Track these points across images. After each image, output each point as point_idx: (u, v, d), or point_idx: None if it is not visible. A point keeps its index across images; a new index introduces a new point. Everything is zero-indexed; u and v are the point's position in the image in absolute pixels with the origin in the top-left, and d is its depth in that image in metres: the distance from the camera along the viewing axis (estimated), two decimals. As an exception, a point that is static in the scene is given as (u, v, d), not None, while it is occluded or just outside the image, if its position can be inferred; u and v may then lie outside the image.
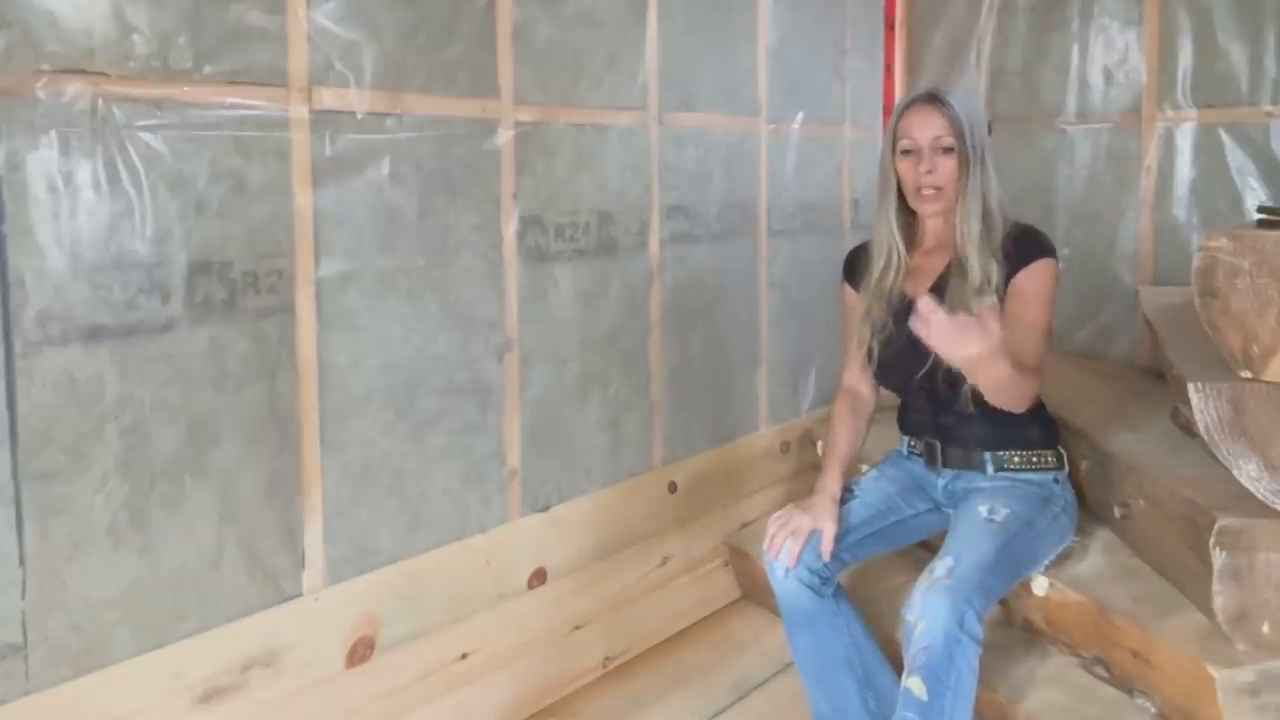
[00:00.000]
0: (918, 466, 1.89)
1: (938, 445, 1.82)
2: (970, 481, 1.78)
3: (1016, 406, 1.61)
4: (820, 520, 1.67)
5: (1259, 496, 1.57)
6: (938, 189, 1.70)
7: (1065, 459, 1.82)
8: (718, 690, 2.07)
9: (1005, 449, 1.76)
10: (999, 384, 1.53)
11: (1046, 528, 1.72)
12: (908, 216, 1.80)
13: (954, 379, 1.67)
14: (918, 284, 1.79)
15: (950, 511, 1.81)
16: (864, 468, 2.21)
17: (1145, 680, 1.63)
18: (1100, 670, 1.73)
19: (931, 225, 1.80)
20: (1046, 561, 1.77)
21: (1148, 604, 1.68)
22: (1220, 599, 1.55)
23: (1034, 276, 1.67)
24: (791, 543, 1.64)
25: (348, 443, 1.61)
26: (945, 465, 1.82)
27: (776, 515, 1.71)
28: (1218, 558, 1.55)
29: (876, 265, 1.81)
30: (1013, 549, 1.62)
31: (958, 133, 1.68)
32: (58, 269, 1.26)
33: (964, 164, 1.69)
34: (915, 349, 1.71)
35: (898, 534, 1.83)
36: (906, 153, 1.72)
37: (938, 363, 1.67)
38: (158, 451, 1.36)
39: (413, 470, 1.73)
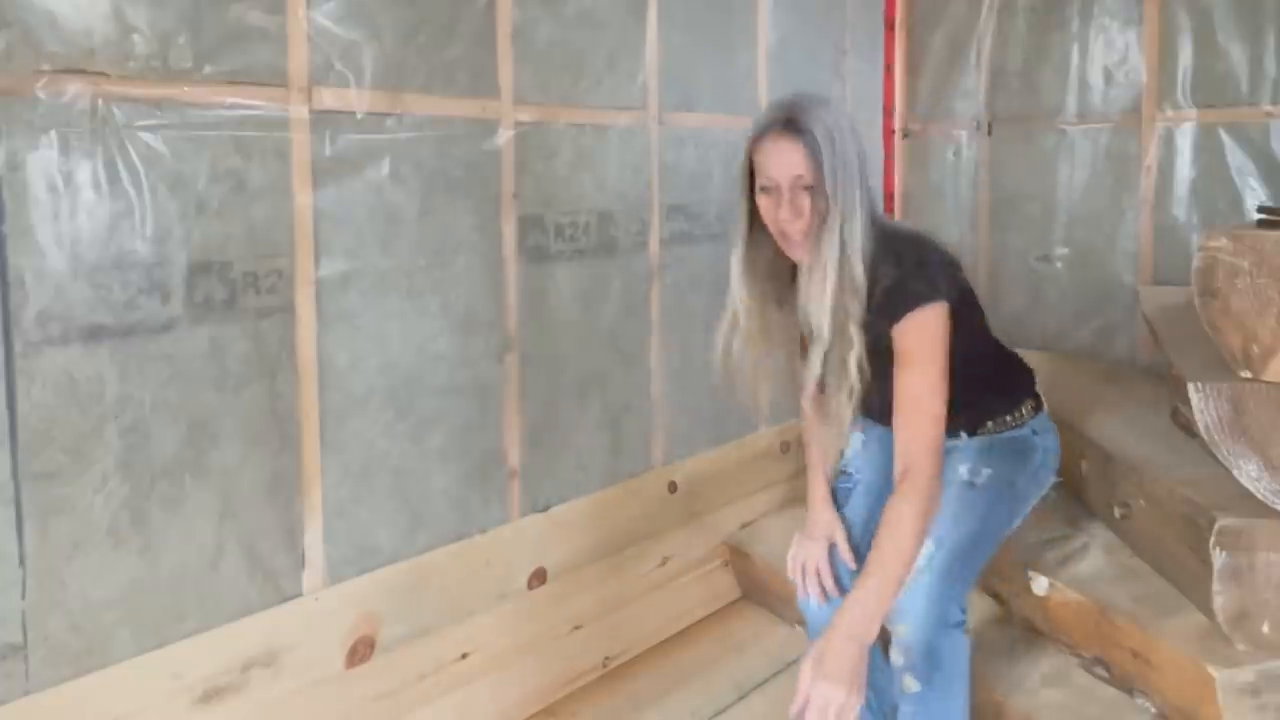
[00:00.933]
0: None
1: None
2: (948, 443, 1.56)
3: (934, 507, 1.42)
4: (831, 533, 1.61)
5: (1259, 496, 1.57)
6: (804, 231, 1.42)
7: (1041, 400, 1.69)
8: (718, 690, 2.06)
9: (977, 423, 1.63)
10: (908, 563, 1.38)
11: (1026, 484, 1.63)
12: (775, 251, 1.51)
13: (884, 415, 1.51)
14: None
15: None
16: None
17: (1145, 680, 1.63)
18: (1100, 670, 1.73)
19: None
20: (1021, 518, 1.65)
21: (1148, 604, 1.68)
22: (1220, 599, 1.55)
23: (902, 337, 1.43)
24: (824, 580, 1.58)
25: (348, 443, 1.61)
26: None
27: (790, 561, 1.62)
28: (1218, 558, 1.55)
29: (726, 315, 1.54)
30: (994, 517, 1.55)
31: (816, 167, 1.39)
32: (58, 269, 1.27)
33: (821, 206, 1.40)
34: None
35: None
36: (765, 189, 1.45)
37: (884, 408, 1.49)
38: (158, 451, 1.36)
39: (413, 470, 1.73)
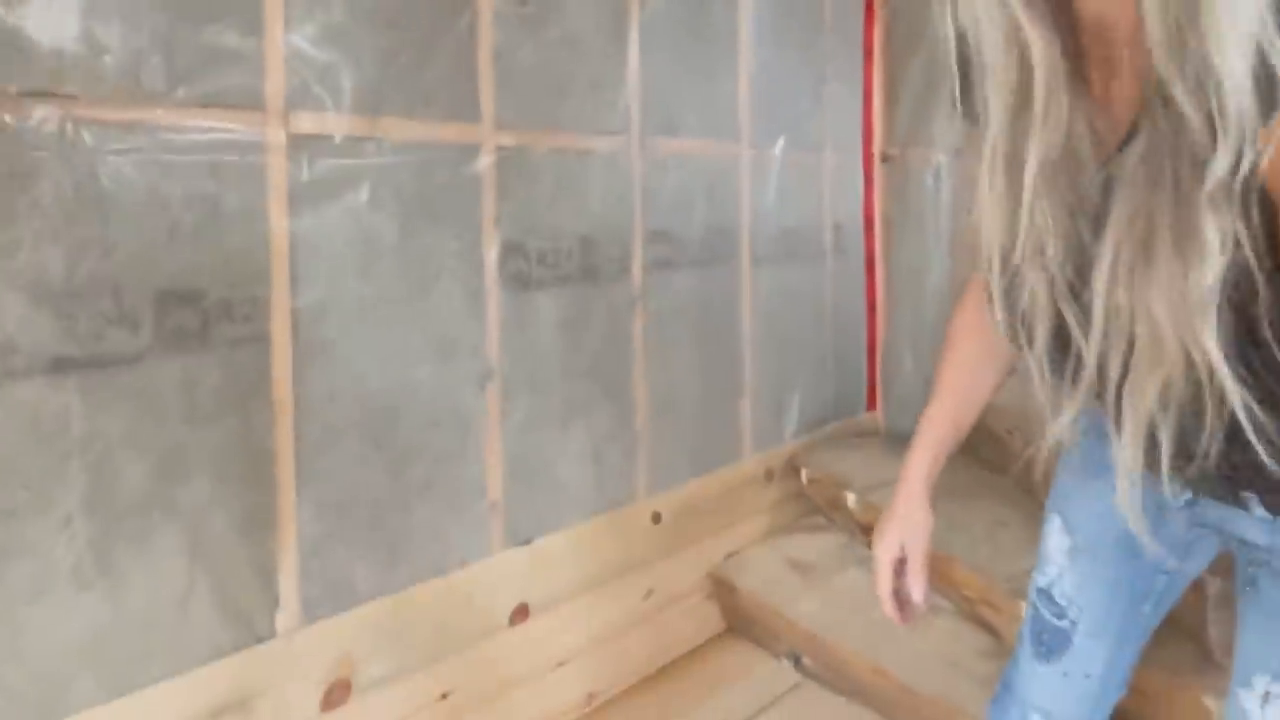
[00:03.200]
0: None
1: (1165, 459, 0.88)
2: (1229, 519, 0.94)
3: None
4: (906, 532, 1.07)
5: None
6: None
7: None
8: (705, 727, 2.03)
9: None
10: None
11: None
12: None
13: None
14: (1105, 133, 0.78)
15: (1179, 564, 1.06)
16: (851, 498, 2.18)
17: (1139, 711, 1.60)
18: (1095, 702, 1.70)
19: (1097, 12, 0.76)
20: None
21: (1142, 633, 1.66)
22: (1214, 628, 1.53)
23: None
24: (892, 598, 1.10)
25: (324, 476, 1.56)
26: (1185, 489, 0.94)
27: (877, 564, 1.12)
28: (1211, 585, 1.53)
29: (999, 99, 0.79)
30: None
31: None
32: (23, 298, 1.21)
33: None
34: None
35: (1159, 606, 1.10)
36: None
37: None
38: (125, 489, 1.30)
39: (392, 503, 1.67)
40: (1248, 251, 0.67)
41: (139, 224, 1.32)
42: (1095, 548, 1.06)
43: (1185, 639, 1.60)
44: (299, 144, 1.51)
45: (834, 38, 2.91)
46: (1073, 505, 1.09)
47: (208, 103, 1.40)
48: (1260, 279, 0.68)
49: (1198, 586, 1.53)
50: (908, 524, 1.09)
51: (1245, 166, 0.64)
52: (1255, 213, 0.67)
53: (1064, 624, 1.08)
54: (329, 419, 1.56)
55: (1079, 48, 0.77)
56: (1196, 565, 1.08)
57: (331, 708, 1.56)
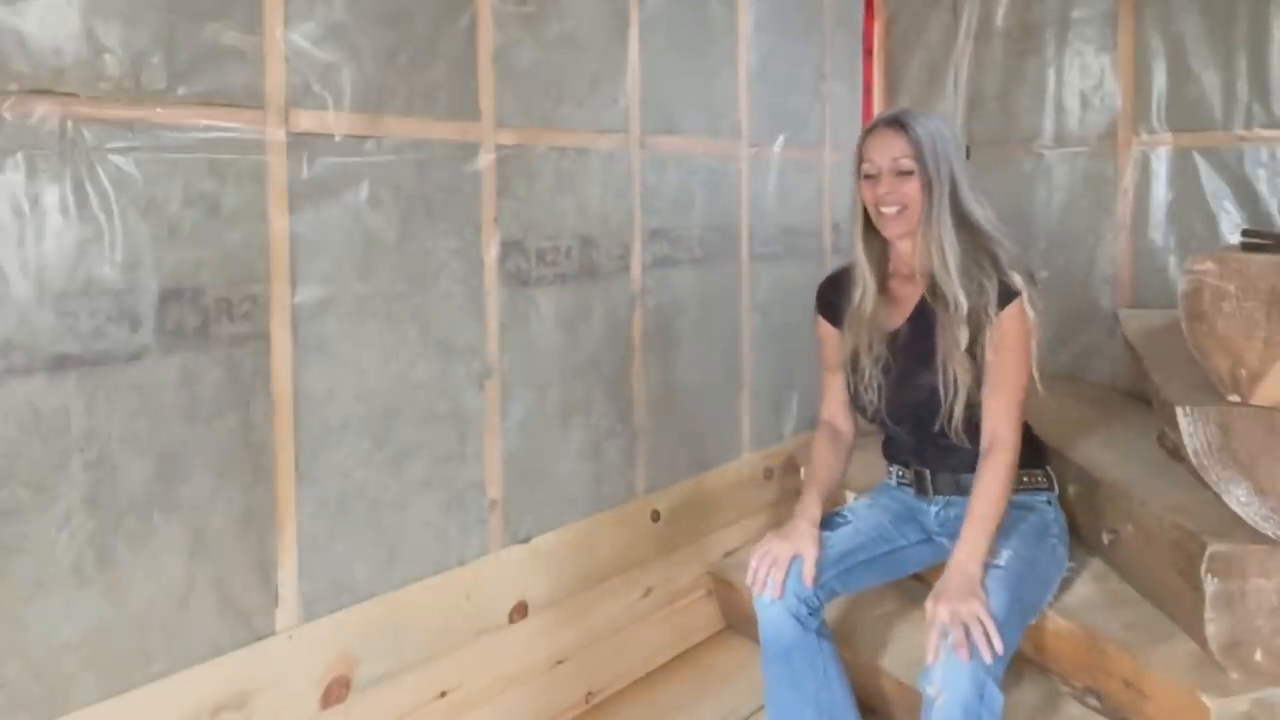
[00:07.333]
0: (908, 495, 1.86)
1: (926, 473, 1.80)
2: (963, 508, 1.68)
3: (1014, 473, 1.63)
4: (800, 545, 1.62)
5: (1248, 521, 1.56)
6: (898, 210, 1.66)
7: (1055, 479, 1.80)
8: (704, 725, 2.03)
9: None
10: (1000, 512, 1.59)
11: (1047, 563, 1.68)
12: (881, 243, 1.76)
13: (947, 415, 1.66)
14: (894, 314, 1.77)
15: (945, 542, 1.75)
16: (850, 496, 2.18)
17: (1138, 710, 1.61)
18: (1092, 700, 1.71)
19: (902, 251, 1.76)
20: (1050, 598, 1.71)
21: (1138, 631, 1.66)
22: (1212, 626, 1.53)
23: (1001, 329, 1.62)
24: (774, 573, 1.59)
25: (324, 474, 1.56)
26: (936, 492, 1.80)
27: (756, 546, 1.66)
28: (1209, 584, 1.53)
29: (855, 294, 1.76)
30: (1022, 597, 1.56)
31: (917, 154, 1.64)
32: (22, 296, 1.21)
33: (926, 186, 1.65)
34: (909, 383, 1.72)
35: (891, 565, 1.79)
36: (868, 176, 1.70)
37: (935, 400, 1.67)
38: (125, 486, 1.30)
39: (391, 501, 1.68)
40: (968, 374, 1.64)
41: (139, 222, 1.32)
42: (883, 510, 1.83)
43: (1184, 638, 1.60)
44: (299, 142, 1.52)
45: (834, 35, 2.91)
46: (879, 498, 1.89)
47: (208, 101, 1.40)
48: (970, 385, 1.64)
49: (1197, 586, 1.54)
50: (807, 535, 1.64)
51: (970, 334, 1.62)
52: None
53: (842, 520, 1.77)
54: (328, 417, 1.57)
55: (884, 272, 1.78)
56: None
57: (330, 705, 1.57)
